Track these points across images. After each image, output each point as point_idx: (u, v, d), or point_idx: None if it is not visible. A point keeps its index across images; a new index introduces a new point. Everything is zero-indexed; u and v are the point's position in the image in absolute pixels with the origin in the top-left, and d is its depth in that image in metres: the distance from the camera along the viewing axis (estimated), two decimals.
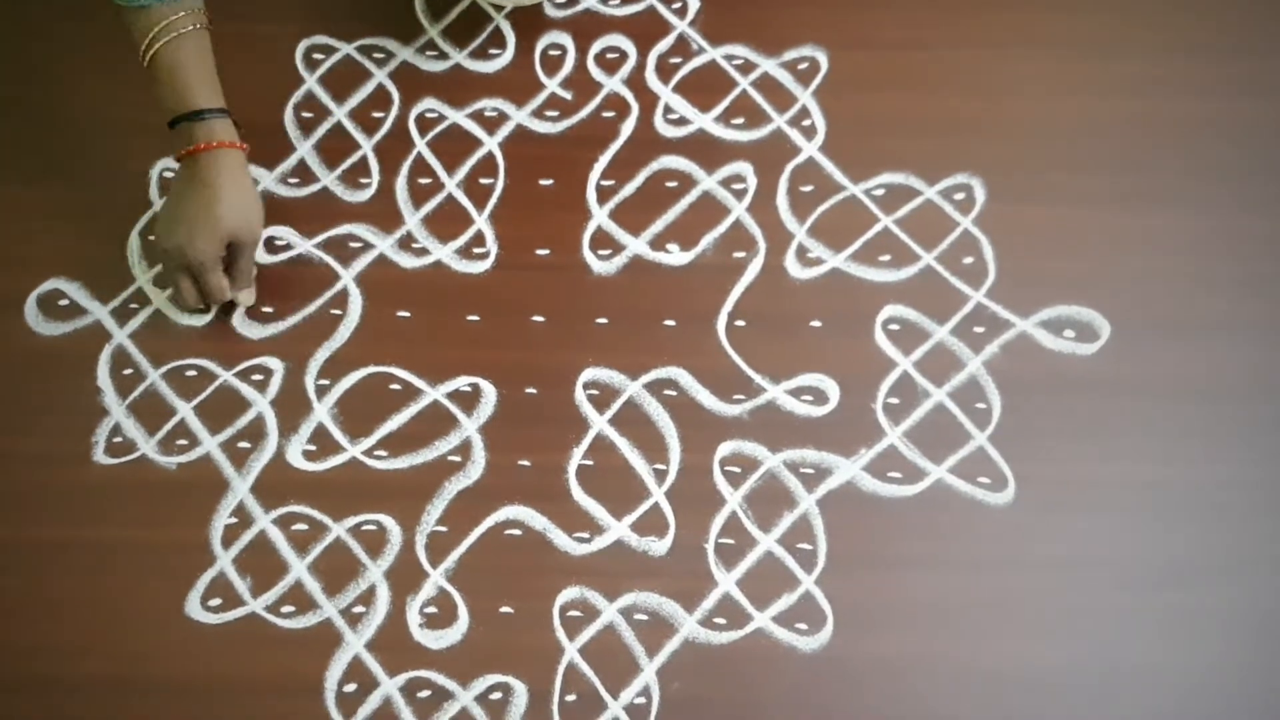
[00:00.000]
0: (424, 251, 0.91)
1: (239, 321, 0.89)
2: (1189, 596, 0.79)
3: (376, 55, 0.99)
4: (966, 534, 0.81)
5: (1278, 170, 0.92)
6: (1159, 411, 0.84)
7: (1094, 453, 0.83)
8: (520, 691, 0.77)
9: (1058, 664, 0.77)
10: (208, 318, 0.88)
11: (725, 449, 0.84)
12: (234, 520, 0.82)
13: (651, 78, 0.97)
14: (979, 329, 0.87)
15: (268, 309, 0.89)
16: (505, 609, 0.80)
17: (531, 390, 0.86)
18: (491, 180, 0.93)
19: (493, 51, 0.99)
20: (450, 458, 0.84)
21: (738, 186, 0.93)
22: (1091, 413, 0.84)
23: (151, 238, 0.91)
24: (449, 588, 0.80)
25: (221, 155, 0.82)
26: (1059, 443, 0.83)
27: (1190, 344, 0.86)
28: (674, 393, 0.86)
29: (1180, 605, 0.79)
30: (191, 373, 0.87)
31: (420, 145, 0.95)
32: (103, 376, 0.87)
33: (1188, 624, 0.78)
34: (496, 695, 0.77)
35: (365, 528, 0.82)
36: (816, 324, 0.88)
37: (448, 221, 0.92)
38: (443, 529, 0.82)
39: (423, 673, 0.78)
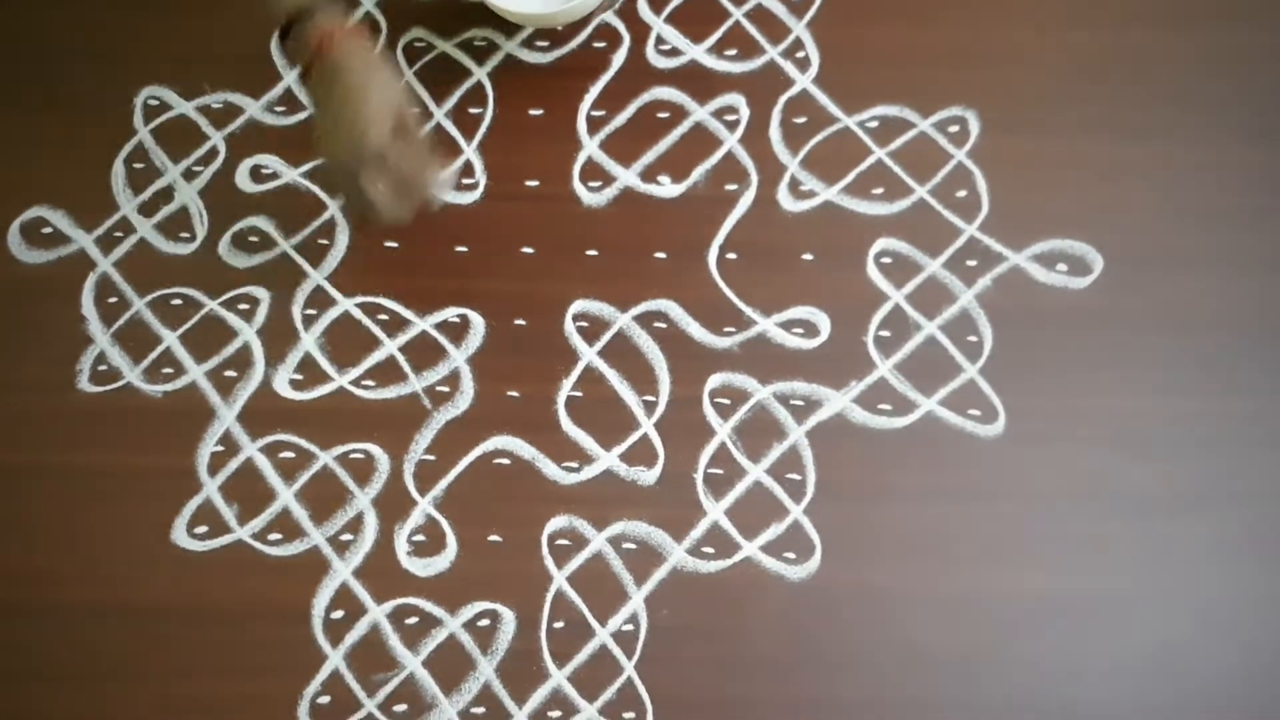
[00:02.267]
0: None
1: (225, 250, 0.88)
2: (1178, 527, 0.79)
3: None
4: (956, 466, 0.81)
5: (1272, 102, 0.91)
6: (1150, 345, 0.84)
7: (1085, 385, 0.83)
8: (508, 619, 0.77)
9: (1046, 594, 0.77)
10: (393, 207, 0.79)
11: (715, 381, 0.84)
12: (220, 448, 0.82)
13: (643, 7, 0.95)
14: (971, 262, 0.87)
15: (254, 239, 0.88)
16: (494, 537, 0.80)
17: (520, 321, 0.86)
18: (480, 110, 0.92)
19: None
20: (439, 388, 0.83)
21: (730, 118, 0.91)
22: (1083, 346, 0.84)
23: (318, 161, 0.86)
24: (437, 516, 0.80)
25: (346, 45, 0.76)
26: (1050, 376, 0.83)
27: (1182, 278, 0.86)
28: (664, 325, 0.85)
29: (1170, 536, 0.79)
30: (177, 301, 0.87)
31: (408, 74, 0.93)
32: (87, 305, 0.86)
33: (1177, 554, 0.78)
34: (484, 622, 0.77)
35: (353, 456, 0.82)
36: (808, 257, 0.87)
37: (436, 151, 0.90)
38: (431, 458, 0.82)
39: (411, 600, 0.78)
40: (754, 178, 0.89)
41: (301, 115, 0.92)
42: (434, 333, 0.85)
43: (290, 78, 0.93)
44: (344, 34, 0.76)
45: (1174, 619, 0.77)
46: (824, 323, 0.85)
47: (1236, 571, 0.78)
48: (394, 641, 0.77)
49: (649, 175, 0.90)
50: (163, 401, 0.83)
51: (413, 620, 0.77)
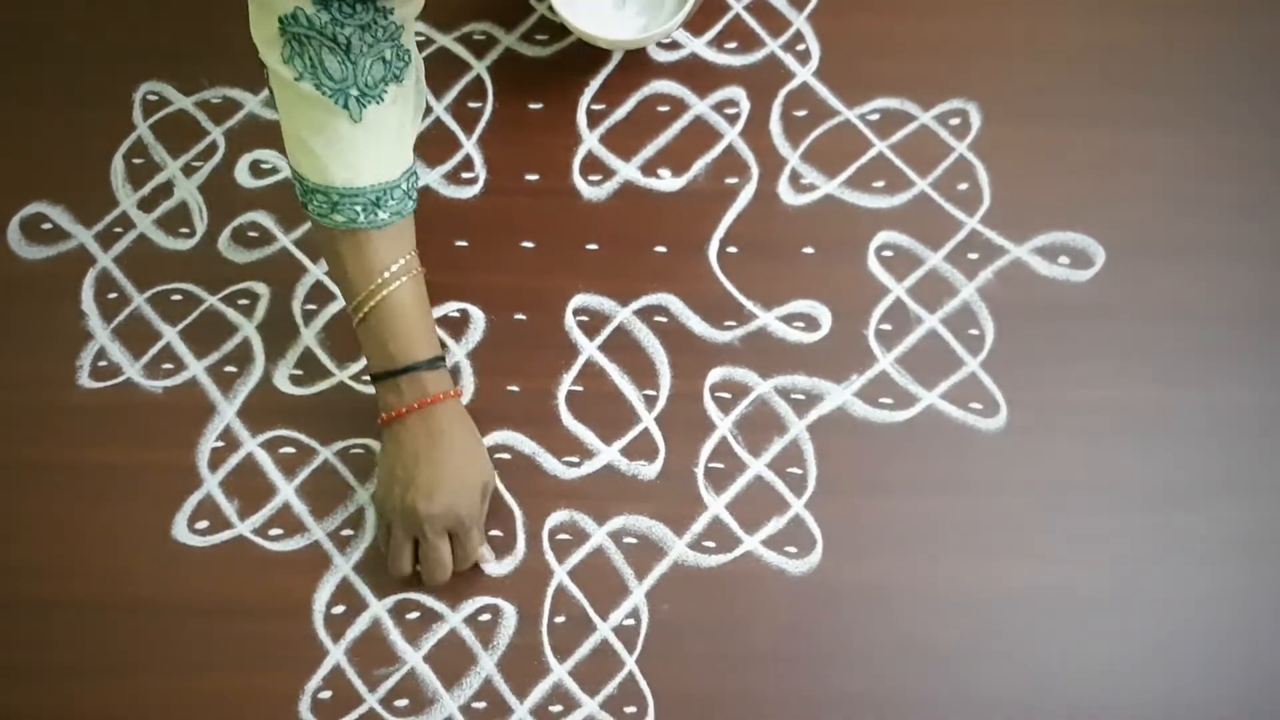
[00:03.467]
0: None
1: (224, 245, 0.88)
2: (1181, 520, 0.79)
3: None
4: (958, 459, 0.81)
5: (1276, 93, 0.90)
6: (1153, 337, 0.84)
7: (1087, 379, 0.82)
8: (509, 613, 0.77)
9: (1049, 588, 0.77)
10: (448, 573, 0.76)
11: (716, 375, 0.83)
12: (221, 444, 0.82)
13: None
14: (973, 255, 0.86)
15: (253, 234, 0.88)
16: (494, 532, 0.79)
17: (521, 316, 0.86)
18: (480, 104, 0.92)
19: None
20: None
21: (730, 111, 0.91)
22: (1085, 339, 0.84)
23: (368, 492, 0.81)
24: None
25: (457, 404, 0.76)
26: (1052, 369, 0.83)
27: (1185, 269, 0.85)
28: (664, 319, 0.85)
29: (1173, 529, 0.79)
30: (177, 297, 0.86)
31: None
32: (87, 300, 0.86)
33: (1181, 547, 0.78)
34: (485, 617, 0.77)
35: (353, 451, 0.82)
36: (809, 250, 0.87)
37: (435, 146, 0.90)
38: None
39: (412, 595, 0.78)
40: (754, 171, 0.89)
41: None
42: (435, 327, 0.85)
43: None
44: (451, 399, 0.75)
45: (1179, 612, 0.77)
46: (825, 316, 0.85)
47: (1241, 565, 0.78)
48: (395, 636, 0.77)
49: (649, 169, 0.90)
50: (163, 397, 0.83)
51: (414, 615, 0.77)
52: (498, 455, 0.81)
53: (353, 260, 0.72)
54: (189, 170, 0.90)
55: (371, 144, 0.70)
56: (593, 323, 0.85)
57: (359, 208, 0.71)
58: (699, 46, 0.93)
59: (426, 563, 0.75)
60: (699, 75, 0.92)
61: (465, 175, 0.90)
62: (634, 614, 0.77)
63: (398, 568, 0.75)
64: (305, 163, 0.71)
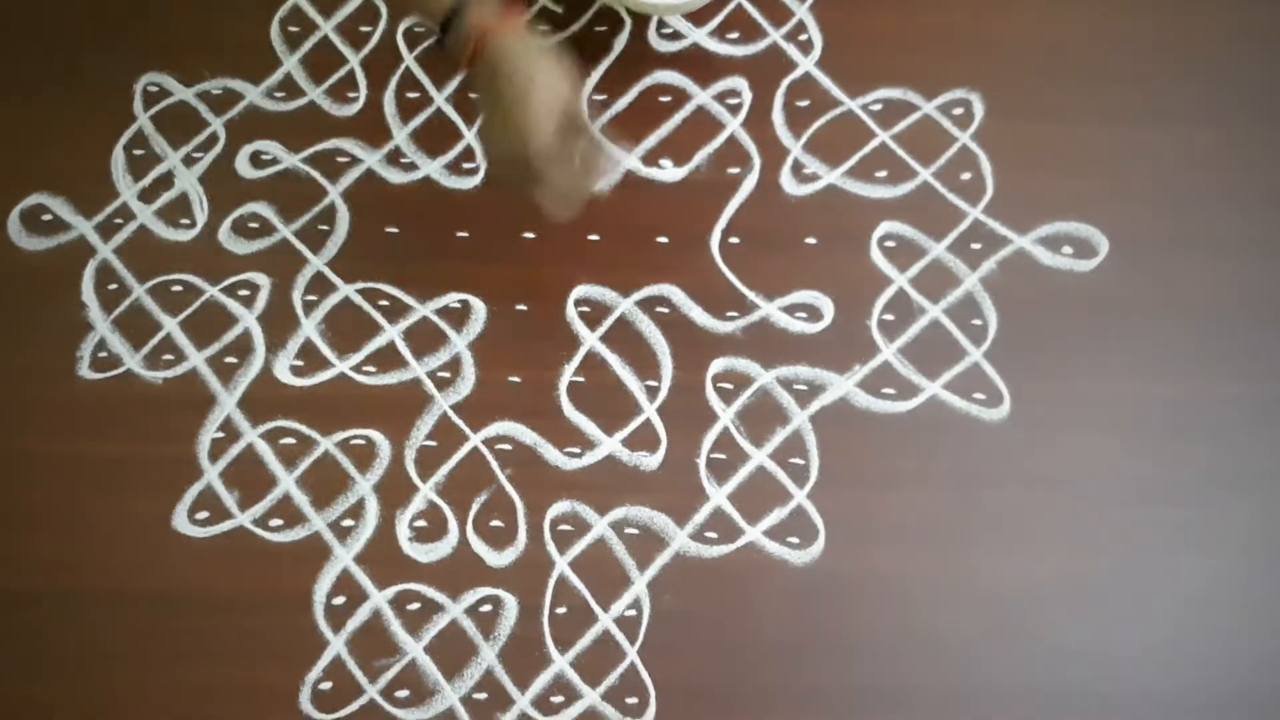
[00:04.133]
0: (412, 167, 0.89)
1: (225, 237, 0.87)
2: (1184, 512, 0.78)
3: None
4: (960, 450, 0.80)
5: (1279, 83, 0.90)
6: (1156, 328, 0.83)
7: (1090, 369, 0.82)
8: (510, 604, 0.77)
9: (1051, 579, 0.77)
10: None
11: (718, 366, 0.83)
12: (221, 435, 0.82)
13: None
14: (976, 245, 0.86)
15: (254, 225, 0.88)
16: (495, 522, 0.79)
17: (522, 307, 0.85)
18: None
19: None
20: (440, 374, 0.83)
21: (732, 101, 0.91)
22: (1088, 329, 0.83)
23: (482, 162, 0.81)
24: (439, 501, 0.79)
25: (506, 36, 0.72)
26: (1055, 359, 0.82)
27: (1189, 260, 0.85)
28: (666, 310, 0.85)
29: (1175, 521, 0.78)
30: (177, 288, 0.86)
31: (408, 59, 0.93)
32: (87, 291, 0.86)
33: (1182, 540, 0.78)
34: (486, 608, 0.77)
35: (354, 442, 0.81)
36: (811, 241, 0.87)
37: (437, 136, 0.90)
38: (432, 444, 0.81)
39: (412, 585, 0.78)
40: (757, 161, 0.89)
41: (301, 101, 0.92)
42: (435, 318, 0.85)
43: (290, 63, 0.92)
44: (506, 25, 0.72)
45: (1182, 603, 0.76)
46: (827, 307, 0.85)
47: (1245, 557, 0.77)
48: (396, 627, 0.77)
49: (651, 159, 0.89)
50: (163, 388, 0.83)
51: (415, 606, 0.77)
52: (499, 446, 0.81)
53: None
54: (190, 161, 0.90)
55: None
56: (594, 313, 0.85)
57: None
58: (701, 37, 0.93)
59: (547, 188, 0.74)
60: (701, 65, 0.92)
61: (466, 166, 0.89)
62: (636, 605, 0.77)
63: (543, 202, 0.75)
64: None
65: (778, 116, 0.90)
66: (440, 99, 0.91)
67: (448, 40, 0.73)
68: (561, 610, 0.77)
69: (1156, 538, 0.78)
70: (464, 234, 0.87)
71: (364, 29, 0.94)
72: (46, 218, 0.89)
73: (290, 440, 0.81)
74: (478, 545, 0.79)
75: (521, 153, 0.72)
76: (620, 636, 0.76)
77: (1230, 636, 0.75)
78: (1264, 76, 0.90)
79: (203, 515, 0.79)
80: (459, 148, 0.90)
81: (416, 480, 0.80)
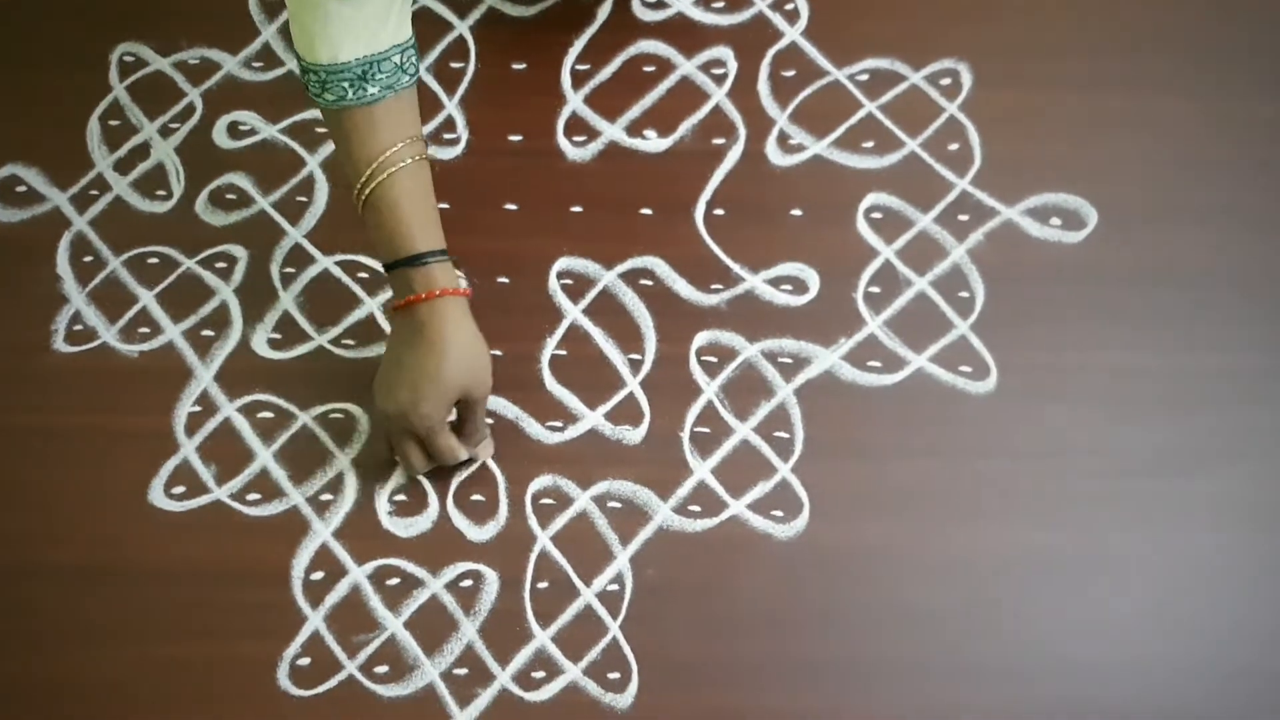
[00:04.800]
0: None
1: (202, 208, 0.86)
2: (1171, 485, 0.78)
3: None
4: (947, 423, 0.79)
5: (1270, 53, 0.89)
6: (1145, 300, 0.82)
7: (1078, 341, 0.81)
8: (491, 579, 0.76)
9: (1038, 552, 0.76)
10: (421, 469, 0.77)
11: (702, 339, 0.82)
12: (197, 408, 0.81)
13: None
14: (963, 217, 0.85)
15: (231, 196, 0.87)
16: (476, 497, 0.78)
17: (504, 279, 0.84)
18: (462, 64, 0.90)
19: None
20: None
21: (718, 71, 0.90)
22: (1076, 301, 0.82)
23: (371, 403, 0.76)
24: (419, 476, 0.78)
25: (442, 305, 0.71)
26: (1042, 331, 0.82)
27: (1178, 232, 0.84)
28: (650, 282, 0.84)
29: (1162, 493, 0.77)
30: (153, 260, 0.85)
31: None
32: (62, 264, 0.85)
33: (1170, 512, 0.77)
34: (467, 583, 0.76)
35: (332, 416, 0.80)
36: (797, 212, 0.86)
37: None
38: None
39: (392, 560, 0.77)
40: (742, 132, 0.88)
41: (279, 71, 0.91)
42: None
43: (269, 32, 0.91)
44: (446, 298, 0.72)
45: (1169, 577, 0.76)
46: (813, 279, 0.84)
47: (1234, 530, 0.77)
48: (375, 603, 0.76)
49: (635, 130, 0.88)
50: (139, 361, 0.82)
51: (394, 581, 0.76)
52: None
53: (349, 142, 0.71)
54: (166, 132, 0.89)
55: (356, 18, 0.68)
56: (577, 286, 0.84)
57: (345, 84, 0.69)
58: (686, 6, 0.92)
59: (398, 458, 0.76)
60: (686, 35, 0.91)
61: (447, 136, 0.88)
62: (618, 579, 0.76)
63: (381, 453, 0.78)
64: (298, 40, 0.70)
65: (763, 86, 0.89)
66: (421, 68, 0.90)
67: (392, 272, 0.72)
68: (543, 585, 0.76)
69: (1144, 510, 0.77)
70: (444, 205, 0.85)
71: None
72: (21, 189, 0.87)
73: (268, 414, 0.80)
74: (458, 520, 0.78)
75: (400, 414, 0.72)
76: (602, 611, 0.75)
77: (1218, 609, 0.75)
78: (1256, 47, 0.89)
79: (179, 490, 0.78)
80: (440, 118, 0.89)
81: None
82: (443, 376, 0.71)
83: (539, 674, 0.74)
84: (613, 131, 0.88)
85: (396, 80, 0.70)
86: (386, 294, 0.83)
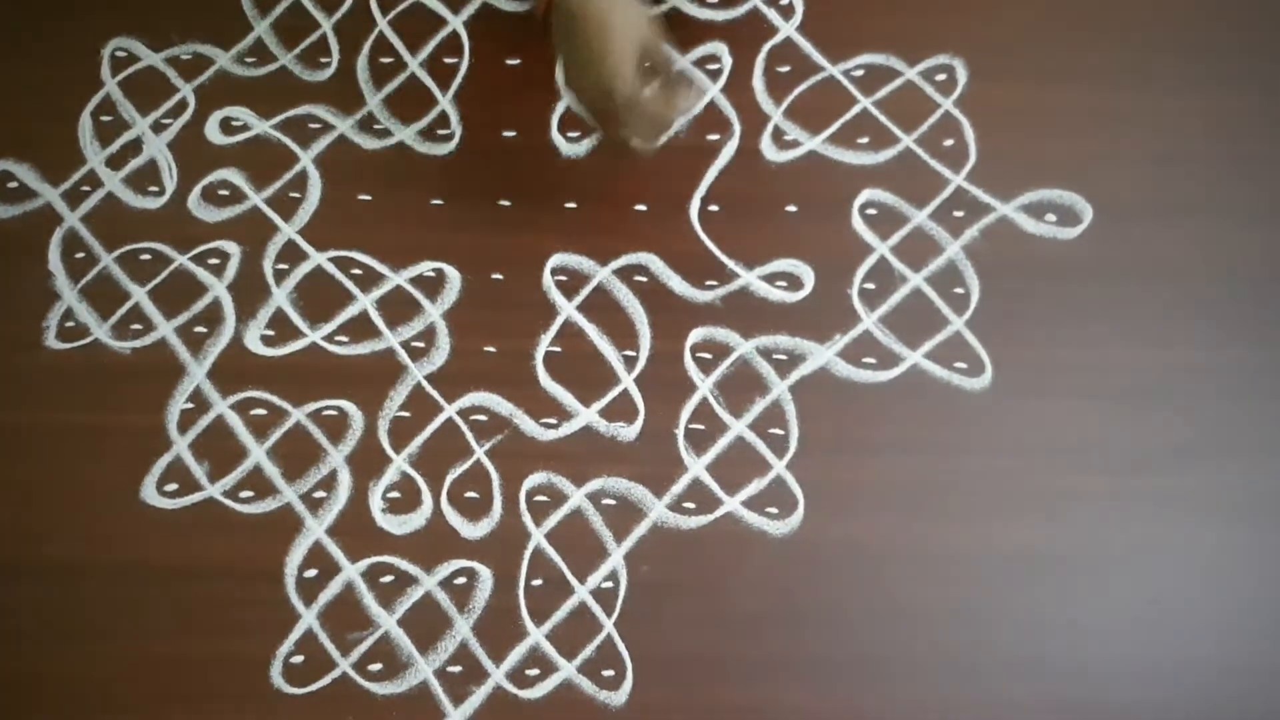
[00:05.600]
0: (386, 133, 0.88)
1: (194, 204, 0.86)
2: (1166, 480, 0.78)
3: None
4: (942, 419, 0.79)
5: (1264, 49, 0.89)
6: (1140, 296, 0.82)
7: (1073, 337, 0.81)
8: (485, 576, 0.76)
9: (1033, 549, 0.76)
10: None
11: (696, 335, 0.82)
12: (190, 405, 0.80)
13: None
14: (959, 213, 0.85)
15: (224, 192, 0.86)
16: (470, 494, 0.78)
17: (498, 276, 0.84)
18: (456, 60, 0.90)
19: None
20: (414, 343, 0.82)
21: (713, 67, 0.89)
22: (1072, 297, 0.82)
23: (566, 102, 0.82)
24: (412, 473, 0.78)
25: None
26: (1038, 327, 0.81)
27: (1174, 228, 0.84)
28: (644, 279, 0.84)
29: (1158, 489, 0.77)
30: (146, 257, 0.85)
31: (382, 23, 0.91)
32: (54, 260, 0.84)
33: (1167, 508, 0.77)
34: (461, 580, 0.76)
35: (326, 413, 0.80)
36: (792, 208, 0.85)
37: (410, 102, 0.88)
38: (406, 414, 0.80)
39: (385, 558, 0.76)
40: (736, 128, 0.87)
41: (272, 67, 0.90)
42: (409, 287, 0.83)
43: (261, 27, 0.91)
44: None
45: (1164, 574, 0.76)
46: (808, 275, 0.83)
47: (1228, 525, 0.77)
48: (369, 600, 0.75)
49: None
50: (131, 358, 0.82)
51: (388, 579, 0.76)
52: (473, 417, 0.80)
53: None
54: (158, 128, 0.88)
55: None
56: (571, 282, 0.83)
57: None
58: (681, 0, 0.91)
59: (633, 126, 0.76)
60: (680, 30, 0.90)
61: (441, 132, 0.88)
62: (612, 576, 0.76)
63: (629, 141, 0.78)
64: None
65: (758, 82, 0.89)
66: (414, 64, 0.90)
67: None
68: (537, 582, 0.76)
69: (1138, 506, 0.77)
70: (438, 201, 0.86)
71: None
72: (12, 185, 0.87)
73: (261, 411, 0.80)
74: (452, 517, 0.77)
75: (606, 92, 0.73)
76: (597, 608, 0.75)
77: (1213, 605, 0.75)
78: (1252, 43, 0.89)
79: (172, 487, 0.78)
80: (433, 113, 0.88)
81: (390, 451, 0.79)
82: (616, 33, 0.72)
83: (533, 671, 0.74)
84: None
85: None
86: (380, 291, 0.83)
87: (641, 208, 0.85)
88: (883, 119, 0.87)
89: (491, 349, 0.82)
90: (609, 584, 0.76)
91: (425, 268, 0.84)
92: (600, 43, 0.72)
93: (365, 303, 0.83)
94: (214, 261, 0.84)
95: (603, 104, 0.74)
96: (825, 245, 0.84)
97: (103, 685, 0.74)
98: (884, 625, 0.74)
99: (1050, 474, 0.78)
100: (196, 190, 0.86)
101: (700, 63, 0.89)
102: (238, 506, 0.78)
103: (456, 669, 0.74)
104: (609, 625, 0.75)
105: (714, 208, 0.85)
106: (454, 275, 0.84)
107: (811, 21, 0.90)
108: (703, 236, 0.84)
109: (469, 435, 0.79)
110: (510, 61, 0.90)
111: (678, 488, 0.78)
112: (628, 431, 0.79)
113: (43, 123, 0.88)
